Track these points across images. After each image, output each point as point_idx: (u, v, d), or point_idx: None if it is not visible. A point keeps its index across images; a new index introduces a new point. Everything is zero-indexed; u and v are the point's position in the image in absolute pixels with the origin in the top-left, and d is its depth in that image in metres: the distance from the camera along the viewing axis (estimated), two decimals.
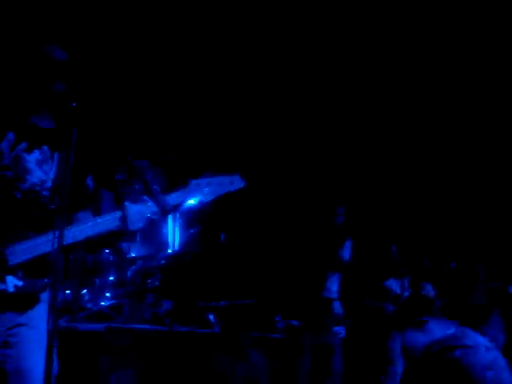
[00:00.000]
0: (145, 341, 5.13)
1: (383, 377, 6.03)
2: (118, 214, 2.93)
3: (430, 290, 6.49)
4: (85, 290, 6.34)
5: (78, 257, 6.15)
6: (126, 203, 2.94)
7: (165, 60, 6.87)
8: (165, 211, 3.02)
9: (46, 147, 3.01)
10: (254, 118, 7.61)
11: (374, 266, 6.94)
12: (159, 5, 6.39)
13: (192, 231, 7.19)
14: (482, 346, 3.59)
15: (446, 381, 3.49)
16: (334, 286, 6.49)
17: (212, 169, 3.13)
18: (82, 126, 2.70)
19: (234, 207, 7.51)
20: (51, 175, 2.99)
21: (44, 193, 2.96)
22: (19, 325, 2.84)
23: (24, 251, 2.80)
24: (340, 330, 6.15)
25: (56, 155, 3.02)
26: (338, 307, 6.51)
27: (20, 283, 2.80)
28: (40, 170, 2.97)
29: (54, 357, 2.59)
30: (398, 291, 6.75)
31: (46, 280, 2.83)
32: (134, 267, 6.36)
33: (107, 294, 6.36)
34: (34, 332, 2.84)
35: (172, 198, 3.04)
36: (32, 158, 2.95)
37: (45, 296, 2.87)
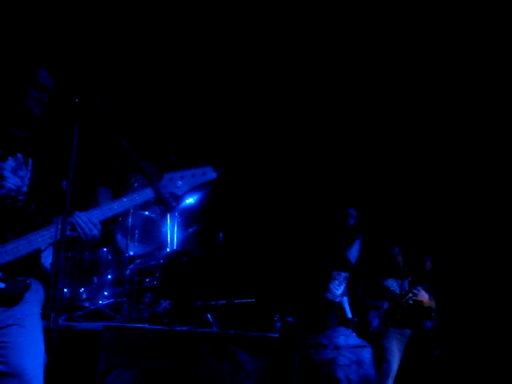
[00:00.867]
0: (143, 340, 5.09)
1: (377, 374, 6.05)
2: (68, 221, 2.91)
3: (422, 293, 6.60)
4: (82, 289, 6.31)
5: (75, 255, 6.13)
6: (76, 212, 2.96)
7: (157, 59, 6.83)
8: (162, 200, 3.05)
9: (19, 154, 3.08)
10: (259, 119, 7.61)
11: (376, 266, 6.94)
12: (160, 5, 6.36)
13: (190, 230, 7.17)
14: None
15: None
16: (339, 288, 6.45)
17: (186, 163, 3.20)
18: (81, 122, 2.72)
19: (234, 205, 7.52)
20: (26, 181, 3.05)
21: (20, 197, 3.03)
22: (7, 326, 2.86)
23: (4, 254, 2.85)
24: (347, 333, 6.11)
25: (30, 161, 3.10)
26: (344, 310, 6.52)
27: (2, 285, 2.83)
28: (15, 176, 3.03)
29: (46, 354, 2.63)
30: (397, 291, 6.79)
31: (28, 281, 2.89)
32: (132, 266, 6.33)
33: (105, 293, 6.34)
34: (23, 331, 2.87)
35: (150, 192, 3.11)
36: (7, 166, 3.02)
37: (28, 296, 2.91)
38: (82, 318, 5.82)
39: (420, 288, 6.60)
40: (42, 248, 2.93)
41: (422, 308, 6.66)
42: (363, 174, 7.84)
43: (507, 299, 6.91)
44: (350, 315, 6.50)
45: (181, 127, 7.45)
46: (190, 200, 6.71)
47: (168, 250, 6.67)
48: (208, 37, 6.78)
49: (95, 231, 2.96)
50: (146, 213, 6.65)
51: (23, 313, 2.88)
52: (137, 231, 6.46)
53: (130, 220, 6.34)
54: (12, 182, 3.01)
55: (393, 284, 6.87)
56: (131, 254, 6.48)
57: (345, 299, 6.53)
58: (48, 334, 2.67)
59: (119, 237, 6.61)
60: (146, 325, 5.64)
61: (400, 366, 6.51)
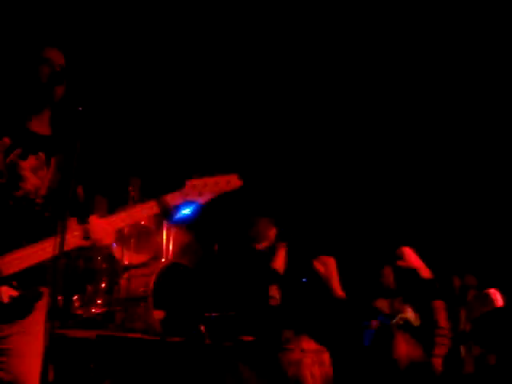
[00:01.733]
0: (136, 350, 5.09)
1: None
2: (83, 227, 2.82)
3: (409, 313, 6.39)
4: (76, 297, 6.30)
5: (69, 263, 6.12)
6: (92, 218, 2.84)
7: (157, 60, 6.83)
8: (166, 212, 2.97)
9: (41, 154, 2.96)
10: (259, 122, 7.60)
11: (365, 285, 6.92)
12: (161, 7, 6.37)
13: (186, 241, 7.17)
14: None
15: None
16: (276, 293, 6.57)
17: (209, 170, 3.10)
18: (86, 129, 2.67)
19: (229, 217, 7.50)
20: (46, 182, 2.93)
21: (38, 200, 2.91)
22: (13, 333, 2.80)
23: (18, 261, 2.74)
24: None
25: (52, 162, 2.97)
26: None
27: (15, 293, 2.75)
28: (35, 176, 2.92)
29: (49, 363, 2.57)
30: (387, 311, 6.70)
31: (40, 290, 2.81)
32: (126, 275, 6.33)
33: (99, 302, 6.33)
34: (29, 339, 2.80)
35: (170, 200, 2.98)
36: (27, 165, 2.90)
37: (39, 304, 2.84)
38: (75, 326, 5.81)
39: (409, 308, 6.56)
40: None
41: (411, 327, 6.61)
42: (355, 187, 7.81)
43: None
44: None
45: (176, 129, 7.42)
46: (186, 211, 6.72)
47: (163, 260, 6.66)
48: (208, 40, 6.78)
49: (109, 240, 2.86)
50: (142, 222, 6.65)
51: (32, 320, 2.81)
52: (132, 240, 6.48)
53: (125, 229, 6.34)
54: (31, 182, 2.89)
55: (382, 304, 6.78)
56: (126, 263, 6.48)
57: None
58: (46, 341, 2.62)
59: (114, 245, 6.60)
60: (138, 335, 5.64)
61: None
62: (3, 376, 2.78)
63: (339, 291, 4.58)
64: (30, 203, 2.89)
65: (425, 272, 4.81)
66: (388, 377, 5.08)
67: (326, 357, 5.18)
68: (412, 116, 7.35)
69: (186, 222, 7.02)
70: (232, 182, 3.08)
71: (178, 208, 3.03)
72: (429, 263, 6.74)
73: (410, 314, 6.48)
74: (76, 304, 6.23)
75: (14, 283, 2.75)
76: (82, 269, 6.43)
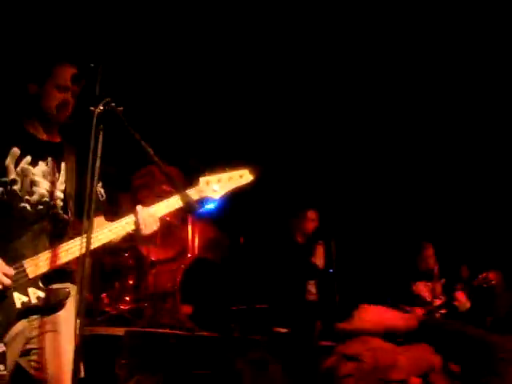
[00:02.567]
0: (165, 345, 5.09)
1: None
2: (132, 218, 2.90)
3: (462, 301, 6.03)
4: (104, 294, 6.34)
5: (97, 260, 6.15)
6: (138, 207, 2.90)
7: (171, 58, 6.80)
8: (190, 206, 2.97)
9: (50, 158, 3.03)
10: (281, 123, 7.56)
11: (403, 268, 6.56)
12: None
13: (212, 235, 7.17)
14: None
15: None
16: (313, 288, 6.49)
17: (221, 166, 3.11)
18: (104, 125, 2.65)
19: (253, 210, 7.48)
20: (59, 186, 3.00)
21: (53, 203, 2.98)
22: (43, 332, 2.83)
23: (43, 263, 2.79)
24: None
25: (62, 166, 3.04)
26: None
27: (42, 294, 2.79)
28: (47, 181, 2.99)
29: (81, 360, 2.58)
30: (428, 297, 6.33)
31: (67, 289, 2.83)
32: (153, 271, 6.34)
33: (127, 298, 6.35)
34: (59, 338, 2.83)
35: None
36: (37, 171, 2.98)
37: (67, 303, 2.86)
38: (103, 323, 5.84)
39: (456, 292, 6.05)
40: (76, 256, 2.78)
41: (457, 313, 6.06)
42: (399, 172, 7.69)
43: None
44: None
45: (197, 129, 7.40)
46: (210, 205, 6.70)
47: (189, 255, 6.67)
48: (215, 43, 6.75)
49: (154, 227, 2.89)
50: (168, 218, 6.65)
51: (60, 319, 2.84)
52: (158, 236, 6.48)
53: None
54: (44, 187, 2.96)
55: (422, 289, 6.37)
56: (152, 259, 6.50)
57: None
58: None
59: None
60: (167, 330, 5.64)
61: None
62: (37, 375, 2.82)
63: None
64: (46, 206, 2.96)
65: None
66: None
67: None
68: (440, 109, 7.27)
69: (211, 216, 7.02)
70: (245, 176, 3.12)
71: (200, 203, 3.03)
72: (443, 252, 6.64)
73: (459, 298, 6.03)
74: (105, 301, 6.27)
75: (41, 284, 2.80)
76: (110, 266, 6.47)
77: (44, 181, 2.98)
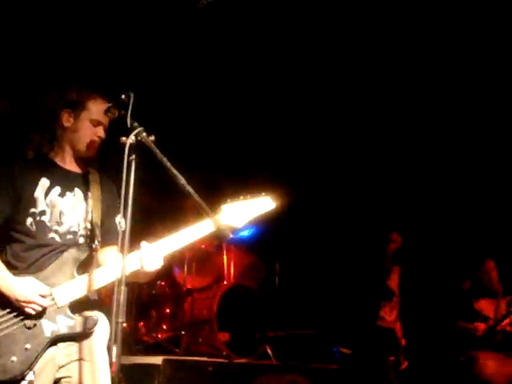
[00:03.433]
0: (203, 373, 5.07)
1: None
2: (136, 254, 2.82)
3: None
4: (141, 323, 6.35)
5: (132, 289, 6.18)
6: (143, 243, 2.85)
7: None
8: (223, 232, 2.95)
9: (77, 189, 3.11)
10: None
11: (464, 286, 6.43)
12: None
13: (247, 261, 7.16)
14: None
15: None
16: (391, 315, 6.34)
17: (242, 193, 3.07)
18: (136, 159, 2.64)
19: (288, 236, 7.44)
20: (86, 216, 3.07)
21: (81, 233, 3.05)
22: (73, 360, 2.83)
23: (71, 291, 2.84)
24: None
25: (89, 196, 3.10)
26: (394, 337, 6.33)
27: (71, 322, 2.82)
28: (75, 211, 3.06)
29: None
30: (491, 313, 6.13)
31: (95, 317, 2.84)
32: (189, 299, 6.35)
33: (164, 327, 6.36)
34: (89, 366, 2.81)
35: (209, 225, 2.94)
36: (66, 202, 3.05)
37: (96, 330, 2.85)
38: (141, 352, 5.85)
39: None
40: (104, 284, 2.84)
41: None
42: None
43: None
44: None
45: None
46: (244, 232, 6.73)
47: (225, 282, 6.66)
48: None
49: (158, 266, 2.83)
50: (203, 246, 6.68)
51: (89, 347, 2.83)
52: (194, 264, 6.51)
53: (186, 253, 6.38)
54: (72, 217, 3.03)
55: (485, 305, 6.17)
56: (189, 287, 6.51)
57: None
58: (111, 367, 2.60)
59: (176, 270, 6.66)
60: (204, 358, 5.63)
61: None
62: None
63: None
64: (74, 236, 3.03)
65: None
66: None
67: None
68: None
69: (246, 243, 7.02)
70: (266, 204, 3.07)
71: (216, 233, 2.98)
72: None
73: None
74: (142, 330, 6.29)
75: (70, 313, 2.83)
76: (146, 295, 6.50)
77: (72, 211, 3.05)
